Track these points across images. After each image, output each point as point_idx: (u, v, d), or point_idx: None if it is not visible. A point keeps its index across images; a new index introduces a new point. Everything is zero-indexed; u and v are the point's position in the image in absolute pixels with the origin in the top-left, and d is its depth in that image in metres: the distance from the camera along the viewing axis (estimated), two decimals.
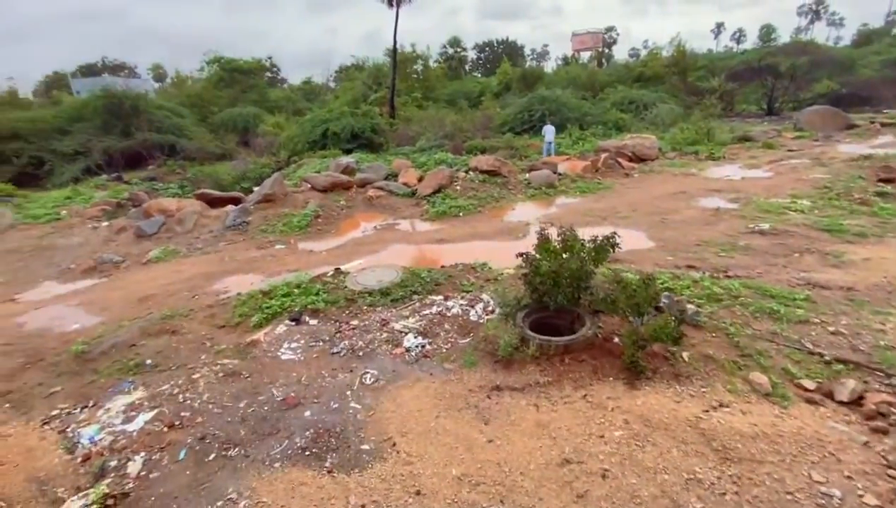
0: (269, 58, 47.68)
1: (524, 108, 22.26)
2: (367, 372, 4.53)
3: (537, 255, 4.82)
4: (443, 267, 7.00)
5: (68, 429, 4.05)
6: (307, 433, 3.77)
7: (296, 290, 6.40)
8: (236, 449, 3.69)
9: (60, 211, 12.60)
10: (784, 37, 68.46)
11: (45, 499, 3.28)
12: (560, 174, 13.18)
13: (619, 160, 14.60)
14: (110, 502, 3.26)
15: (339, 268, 7.20)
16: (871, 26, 57.45)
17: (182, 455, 3.69)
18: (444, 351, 4.78)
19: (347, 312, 5.74)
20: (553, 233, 5.04)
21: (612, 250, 4.74)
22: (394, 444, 3.60)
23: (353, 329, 5.34)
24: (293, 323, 5.66)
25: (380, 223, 10.48)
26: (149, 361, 5.03)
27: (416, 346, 4.84)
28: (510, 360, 4.38)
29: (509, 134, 20.57)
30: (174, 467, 3.57)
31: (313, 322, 5.64)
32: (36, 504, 3.24)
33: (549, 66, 60.44)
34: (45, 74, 45.28)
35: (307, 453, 3.58)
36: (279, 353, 5.12)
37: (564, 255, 4.70)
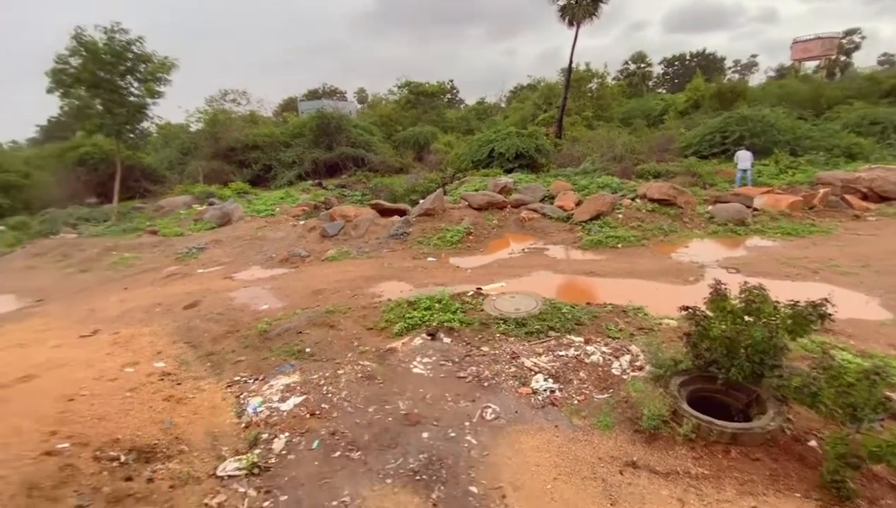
0: (451, 81, 51.87)
1: (716, 129, 19.34)
2: (489, 407, 4.35)
3: (708, 313, 3.98)
4: (589, 304, 6.41)
5: (241, 396, 4.86)
6: (421, 455, 3.77)
7: (437, 305, 6.60)
8: (358, 454, 3.88)
9: (275, 208, 15.71)
10: None
11: (213, 453, 3.95)
12: (756, 209, 11.00)
13: (847, 197, 11.50)
14: (255, 471, 3.76)
15: (479, 289, 7.21)
16: None
17: (315, 444, 4.06)
18: (576, 402, 4.29)
19: (480, 337, 5.66)
20: (733, 287, 4.10)
21: (819, 322, 3.62)
22: (503, 496, 3.33)
23: (483, 356, 5.23)
24: (429, 338, 5.82)
25: (529, 246, 10.24)
26: (308, 349, 5.76)
27: (545, 390, 4.47)
28: (655, 434, 3.68)
29: (693, 158, 18.13)
30: (307, 454, 3.94)
31: (447, 340, 5.72)
32: (206, 455, 3.92)
33: (756, 80, 51.62)
34: (283, 98, 57.67)
35: (417, 477, 3.56)
36: (412, 365, 5.30)
37: (746, 319, 3.77)
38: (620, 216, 10.98)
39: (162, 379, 5.14)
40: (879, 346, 4.88)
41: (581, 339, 5.34)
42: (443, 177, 20.32)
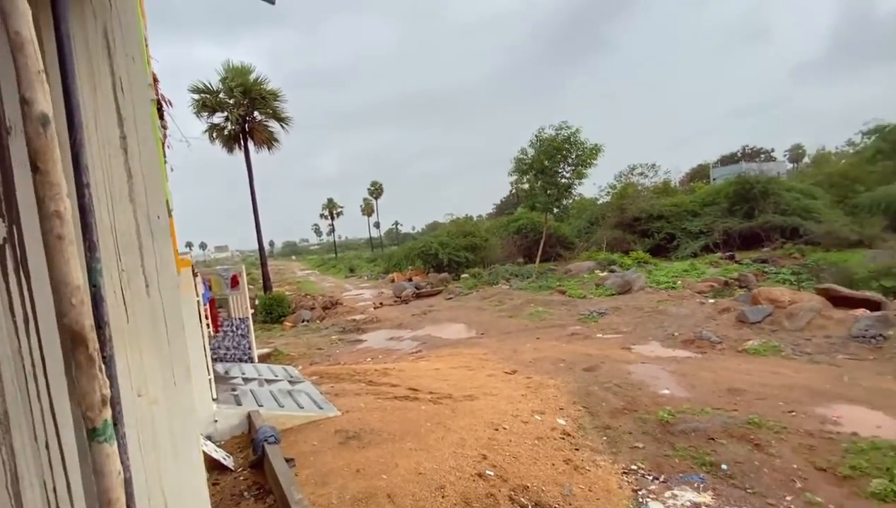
0: None
1: None
2: None
3: None
4: None
5: (639, 492, 4.29)
6: None
7: None
8: None
9: (676, 281, 14.62)
10: None
11: None
12: None
13: None
14: None
15: None
16: None
17: None
18: None
19: None
20: None
21: None
22: None
23: None
24: None
25: None
26: (724, 466, 4.55)
27: None
28: None
29: None
30: None
31: None
32: None
33: None
34: (692, 167, 55.18)
35: None
36: None
37: None
38: None
39: (563, 438, 5.30)
40: None
41: None
42: None
